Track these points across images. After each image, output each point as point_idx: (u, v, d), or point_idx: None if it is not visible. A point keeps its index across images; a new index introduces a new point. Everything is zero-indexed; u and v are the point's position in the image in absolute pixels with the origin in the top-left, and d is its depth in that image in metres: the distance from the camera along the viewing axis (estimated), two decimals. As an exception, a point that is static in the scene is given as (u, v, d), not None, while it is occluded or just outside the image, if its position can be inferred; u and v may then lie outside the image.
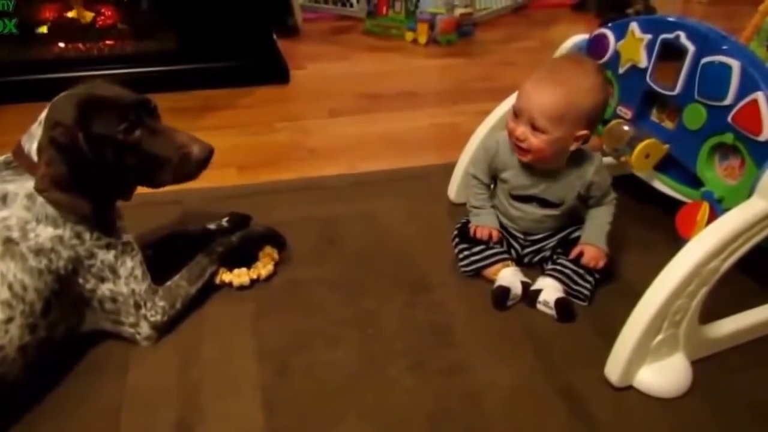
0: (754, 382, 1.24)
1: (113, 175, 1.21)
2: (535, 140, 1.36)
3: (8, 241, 1.13)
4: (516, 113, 1.39)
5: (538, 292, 1.41)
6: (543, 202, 1.48)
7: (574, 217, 1.51)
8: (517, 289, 1.42)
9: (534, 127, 1.35)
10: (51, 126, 1.15)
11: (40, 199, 1.16)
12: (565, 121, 1.34)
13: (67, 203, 1.15)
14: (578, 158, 1.44)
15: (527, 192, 1.48)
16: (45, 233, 1.16)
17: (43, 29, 2.62)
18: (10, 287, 1.10)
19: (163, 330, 1.32)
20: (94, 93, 1.21)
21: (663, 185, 1.59)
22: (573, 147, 1.39)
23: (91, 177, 1.17)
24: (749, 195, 1.23)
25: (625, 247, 1.60)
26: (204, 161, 1.25)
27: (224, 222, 1.64)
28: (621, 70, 1.62)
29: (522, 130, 1.37)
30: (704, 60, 1.38)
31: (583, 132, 1.37)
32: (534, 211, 1.49)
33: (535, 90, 1.35)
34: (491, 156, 1.51)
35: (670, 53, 1.47)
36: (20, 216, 1.15)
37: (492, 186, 1.57)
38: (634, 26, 1.56)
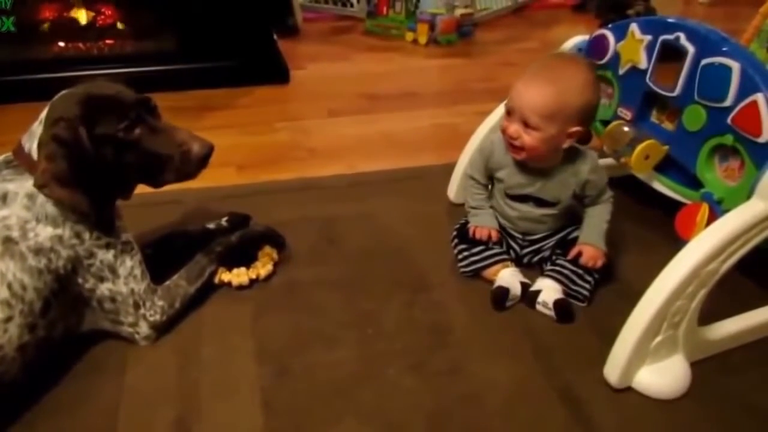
0: (753, 383, 1.24)
1: (114, 173, 1.21)
2: (527, 138, 1.37)
3: (8, 240, 1.12)
4: (509, 112, 1.40)
5: (537, 292, 1.41)
6: (539, 201, 1.48)
7: (573, 217, 1.52)
8: (516, 289, 1.42)
9: (527, 125, 1.36)
10: (53, 122, 1.15)
11: (40, 199, 1.16)
12: (557, 118, 1.34)
13: (67, 199, 1.15)
14: (573, 156, 1.45)
15: (523, 191, 1.48)
16: (44, 233, 1.15)
17: (43, 28, 2.61)
18: (9, 287, 1.10)
19: (161, 329, 1.31)
20: (95, 91, 1.21)
21: (663, 186, 1.59)
22: (566, 144, 1.39)
23: (92, 174, 1.17)
24: (749, 196, 1.23)
25: (625, 247, 1.60)
26: (204, 158, 1.25)
27: (223, 222, 1.63)
28: (621, 71, 1.62)
29: (515, 128, 1.38)
30: (704, 61, 1.38)
31: (576, 129, 1.37)
32: (530, 210, 1.49)
33: (526, 88, 1.36)
34: (486, 156, 1.51)
35: (671, 54, 1.47)
36: (20, 215, 1.15)
37: (489, 186, 1.57)
38: (634, 27, 1.56)
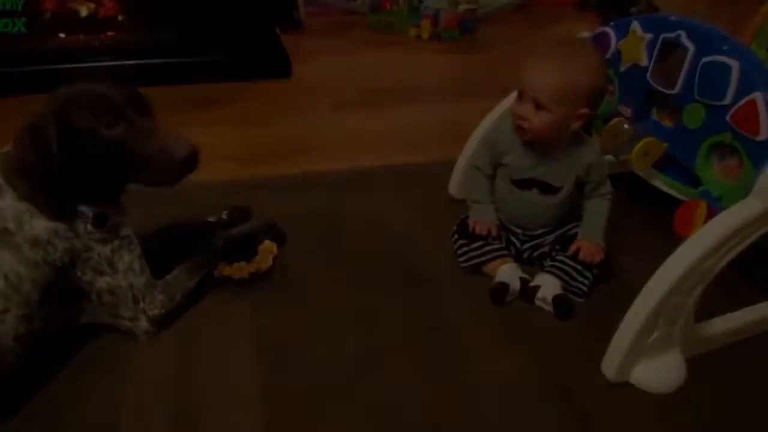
0: (749, 379, 1.25)
1: (91, 170, 1.19)
2: (536, 119, 1.39)
3: (4, 231, 1.13)
4: (520, 94, 1.42)
5: (537, 288, 1.42)
6: (543, 187, 1.48)
7: (573, 212, 1.52)
8: (515, 285, 1.43)
9: (538, 106, 1.37)
10: (32, 115, 1.15)
11: None
12: (567, 99, 1.36)
13: (24, 190, 1.15)
14: (578, 141, 1.47)
15: (528, 174, 1.48)
16: (40, 225, 1.15)
17: (44, 20, 2.60)
18: (5, 278, 1.11)
19: (161, 324, 1.32)
20: (84, 87, 1.18)
21: (662, 183, 1.59)
22: (574, 126, 1.41)
23: (58, 170, 1.15)
24: (746, 194, 1.23)
25: (623, 244, 1.60)
26: (185, 163, 1.18)
27: (224, 215, 1.64)
28: (622, 69, 1.61)
29: (525, 108, 1.40)
30: (704, 60, 1.38)
31: (584, 110, 1.39)
32: (534, 198, 1.50)
33: (536, 69, 1.39)
34: (491, 144, 1.52)
35: (672, 52, 1.47)
36: (15, 207, 1.14)
37: (492, 178, 1.57)
38: (635, 25, 1.56)
